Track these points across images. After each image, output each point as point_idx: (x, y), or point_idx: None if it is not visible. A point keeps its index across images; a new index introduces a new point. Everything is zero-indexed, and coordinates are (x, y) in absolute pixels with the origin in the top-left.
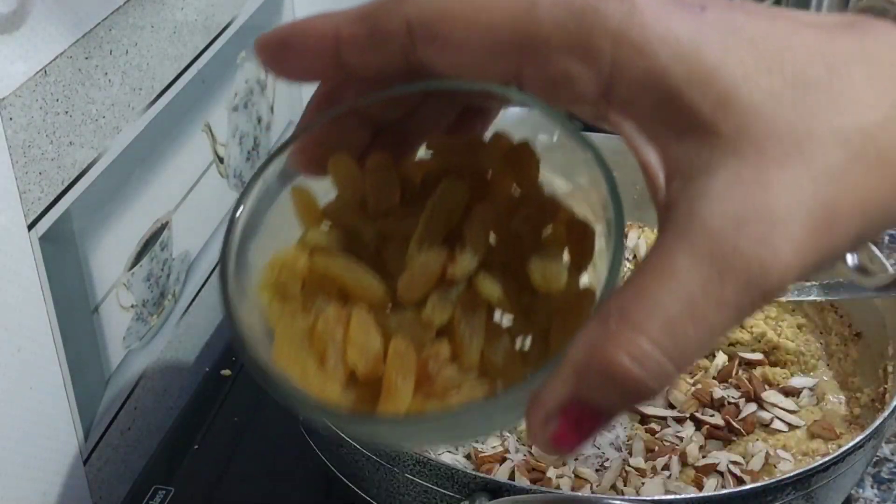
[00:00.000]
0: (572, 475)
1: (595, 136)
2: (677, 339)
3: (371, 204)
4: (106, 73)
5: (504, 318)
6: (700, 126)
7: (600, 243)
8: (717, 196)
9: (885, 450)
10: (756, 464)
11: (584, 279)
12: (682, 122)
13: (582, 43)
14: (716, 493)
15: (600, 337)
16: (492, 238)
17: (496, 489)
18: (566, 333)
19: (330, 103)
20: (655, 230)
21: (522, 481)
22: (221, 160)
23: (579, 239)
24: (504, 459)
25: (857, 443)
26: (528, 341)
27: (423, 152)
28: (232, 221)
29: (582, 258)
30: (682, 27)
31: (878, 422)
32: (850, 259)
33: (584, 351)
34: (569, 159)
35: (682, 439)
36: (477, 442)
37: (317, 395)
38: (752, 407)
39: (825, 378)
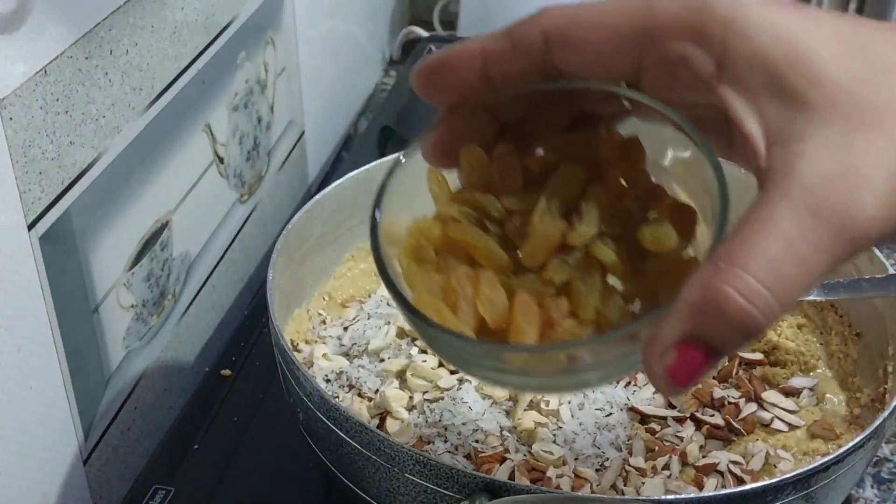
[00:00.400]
0: (572, 475)
1: None
2: (780, 278)
3: (497, 185)
4: (106, 73)
5: (616, 285)
6: (796, 100)
7: (701, 229)
8: (810, 157)
9: (885, 450)
10: (756, 464)
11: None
12: (781, 96)
13: (697, 29)
14: (716, 493)
15: (711, 276)
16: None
17: (496, 489)
18: (674, 291)
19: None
20: None
21: (522, 481)
22: (221, 160)
23: (683, 219)
24: (504, 459)
25: (857, 443)
26: (638, 304)
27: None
28: (379, 199)
29: (686, 237)
30: (779, 17)
31: (878, 422)
32: None
33: (696, 290)
34: (679, 157)
35: (682, 439)
36: (477, 442)
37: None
38: (752, 407)
39: (825, 378)
